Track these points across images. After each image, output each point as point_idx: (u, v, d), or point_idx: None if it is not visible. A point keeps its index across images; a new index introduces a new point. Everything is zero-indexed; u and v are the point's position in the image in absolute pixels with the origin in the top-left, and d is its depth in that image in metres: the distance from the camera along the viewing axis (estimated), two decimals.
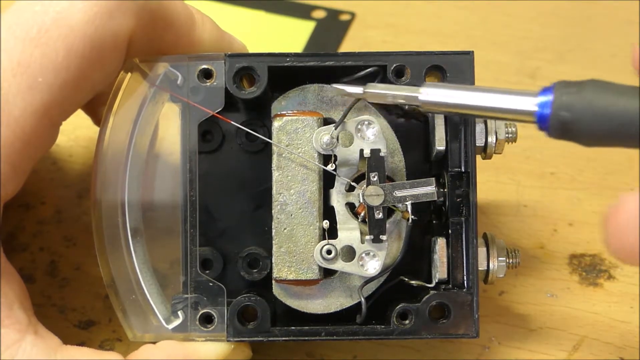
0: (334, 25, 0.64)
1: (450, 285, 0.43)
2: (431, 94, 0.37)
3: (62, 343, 0.42)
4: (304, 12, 0.65)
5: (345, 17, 0.64)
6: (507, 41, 0.63)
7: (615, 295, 0.50)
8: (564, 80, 0.34)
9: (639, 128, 0.32)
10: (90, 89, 0.41)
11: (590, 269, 0.51)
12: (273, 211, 0.43)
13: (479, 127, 0.43)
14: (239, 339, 0.42)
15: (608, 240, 0.33)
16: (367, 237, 0.42)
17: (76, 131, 0.55)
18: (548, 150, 0.56)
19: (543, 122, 0.34)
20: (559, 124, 0.33)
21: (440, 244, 0.43)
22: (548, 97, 0.34)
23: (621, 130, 0.32)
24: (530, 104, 0.34)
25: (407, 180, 0.44)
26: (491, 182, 0.55)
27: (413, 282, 0.44)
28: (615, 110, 0.32)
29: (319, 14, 0.65)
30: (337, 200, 0.43)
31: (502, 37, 0.63)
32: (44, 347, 0.41)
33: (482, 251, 0.43)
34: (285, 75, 0.43)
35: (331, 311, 0.44)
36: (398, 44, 0.63)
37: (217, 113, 0.43)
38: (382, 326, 0.43)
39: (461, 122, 0.43)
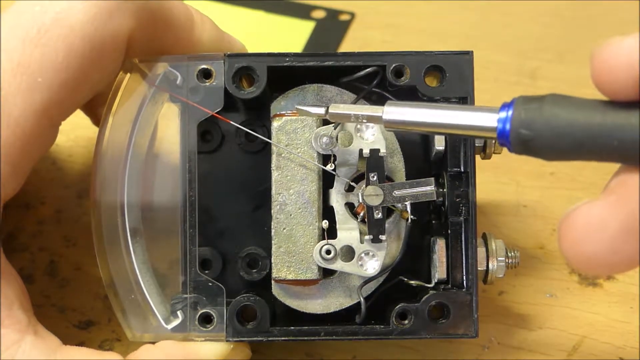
0: (333, 25, 0.64)
1: (449, 285, 0.43)
2: (393, 112, 0.36)
3: (61, 343, 0.42)
4: (303, 12, 0.64)
5: (344, 17, 0.64)
6: (507, 41, 0.63)
7: (615, 295, 0.50)
8: (524, 96, 0.34)
9: (599, 143, 0.32)
10: (90, 89, 0.41)
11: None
12: (272, 211, 0.43)
13: None
14: (238, 339, 0.42)
15: (564, 251, 0.33)
16: (367, 237, 0.42)
17: (76, 131, 0.55)
18: None
19: (504, 138, 0.34)
20: (519, 141, 0.33)
21: (440, 244, 0.43)
22: (508, 114, 0.33)
23: (580, 146, 0.32)
24: (491, 120, 0.34)
25: (406, 180, 0.44)
26: (491, 182, 0.55)
27: (412, 282, 0.44)
28: (574, 126, 0.32)
29: (319, 14, 0.65)
30: (337, 200, 0.43)
31: (502, 37, 0.63)
32: (44, 347, 0.41)
33: (481, 251, 0.43)
34: (285, 75, 0.43)
35: (330, 311, 0.44)
36: (398, 44, 0.63)
37: (216, 113, 0.43)
38: (382, 326, 0.42)
39: None
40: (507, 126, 0.33)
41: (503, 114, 0.34)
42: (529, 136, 0.33)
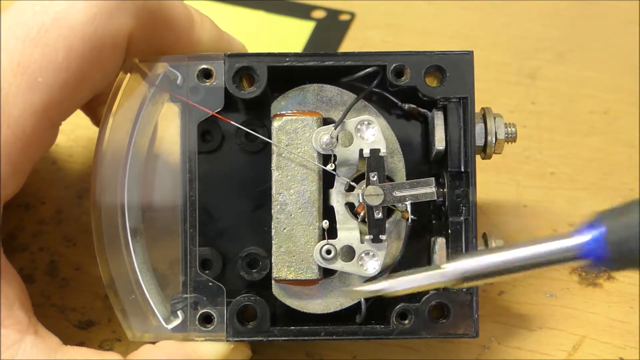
0: (333, 25, 0.64)
1: None
2: (456, 270, 0.34)
3: (62, 343, 0.42)
4: (303, 12, 0.65)
5: (345, 17, 0.64)
6: (507, 41, 0.63)
7: (615, 295, 0.50)
8: (605, 211, 0.33)
9: None
10: (90, 89, 0.41)
11: (589, 269, 0.51)
12: (272, 211, 0.43)
13: (479, 127, 0.43)
14: (238, 339, 0.42)
15: None
16: (367, 237, 0.42)
17: (76, 131, 0.55)
18: (548, 150, 0.56)
19: (600, 258, 0.32)
20: (622, 256, 0.32)
21: (440, 243, 0.43)
22: (597, 234, 0.32)
23: None
24: (576, 243, 0.33)
25: (406, 180, 0.44)
26: (491, 182, 0.55)
27: None
28: None
29: (319, 14, 0.65)
30: (337, 200, 0.43)
31: (502, 37, 0.63)
32: (44, 347, 0.40)
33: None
34: (285, 75, 0.43)
35: (331, 311, 0.44)
36: (398, 44, 0.63)
37: (216, 113, 0.42)
38: (382, 326, 0.42)
39: (461, 123, 0.43)
40: (602, 246, 0.32)
41: (588, 236, 0.32)
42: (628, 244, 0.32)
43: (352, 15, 0.64)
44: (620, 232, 0.32)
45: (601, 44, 0.62)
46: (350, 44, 0.63)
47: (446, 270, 0.35)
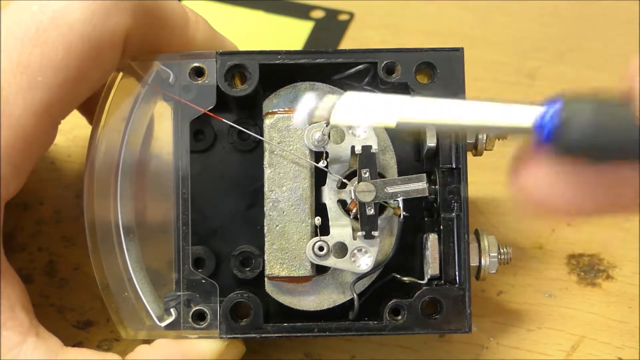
0: (332, 25, 0.64)
1: (442, 281, 0.43)
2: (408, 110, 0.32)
3: (63, 345, 0.42)
4: (302, 12, 0.65)
5: (343, 17, 0.64)
6: (507, 41, 0.63)
7: (614, 295, 0.50)
8: (566, 91, 0.31)
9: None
10: (89, 87, 0.41)
11: (588, 269, 0.51)
12: (265, 208, 0.42)
13: None
14: (231, 336, 0.42)
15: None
16: (359, 233, 0.42)
17: (74, 131, 0.55)
18: None
19: (546, 134, 0.31)
20: (564, 133, 0.30)
21: (432, 240, 0.43)
22: (554, 110, 0.30)
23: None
24: (532, 113, 0.31)
25: (398, 176, 0.43)
26: (490, 182, 0.54)
27: (405, 278, 0.43)
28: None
29: (318, 14, 0.65)
30: (329, 197, 0.43)
31: (501, 37, 0.63)
32: (46, 349, 0.41)
33: (473, 247, 0.43)
34: (277, 73, 0.43)
35: (324, 308, 0.43)
36: (397, 44, 0.62)
37: (208, 112, 0.42)
38: (375, 322, 0.42)
39: None
40: (554, 123, 0.30)
41: (544, 109, 0.31)
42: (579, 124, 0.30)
43: (351, 15, 0.64)
44: (572, 111, 0.30)
45: (601, 44, 0.62)
46: (349, 44, 0.63)
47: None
